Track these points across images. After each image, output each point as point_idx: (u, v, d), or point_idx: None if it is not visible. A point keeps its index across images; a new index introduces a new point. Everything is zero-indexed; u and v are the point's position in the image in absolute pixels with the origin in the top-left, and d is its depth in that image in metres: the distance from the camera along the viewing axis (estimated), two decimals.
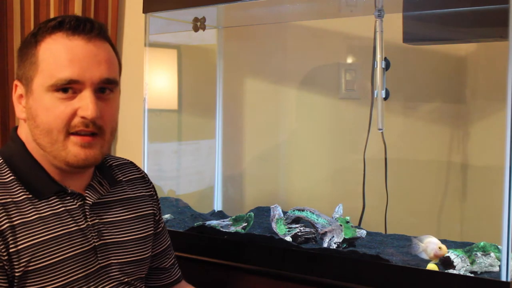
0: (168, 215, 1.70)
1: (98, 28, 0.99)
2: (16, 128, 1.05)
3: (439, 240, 1.38)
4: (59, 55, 0.95)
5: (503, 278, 1.14)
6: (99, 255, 1.03)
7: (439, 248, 1.27)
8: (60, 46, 0.96)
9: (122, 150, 2.06)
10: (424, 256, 1.29)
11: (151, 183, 1.23)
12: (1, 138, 1.94)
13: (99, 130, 0.98)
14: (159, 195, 1.25)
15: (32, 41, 0.98)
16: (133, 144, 1.96)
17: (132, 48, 1.99)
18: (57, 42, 0.96)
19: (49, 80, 0.95)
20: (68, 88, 0.95)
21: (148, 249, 1.15)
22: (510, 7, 1.14)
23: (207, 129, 1.96)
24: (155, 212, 1.20)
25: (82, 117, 0.96)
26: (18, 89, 1.01)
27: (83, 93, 0.96)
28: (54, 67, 0.95)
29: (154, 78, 1.81)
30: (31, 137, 0.99)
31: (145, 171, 1.24)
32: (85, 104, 0.95)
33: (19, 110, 1.01)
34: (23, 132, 1.02)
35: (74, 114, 0.96)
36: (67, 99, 0.96)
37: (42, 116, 0.96)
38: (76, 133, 0.97)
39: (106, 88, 1.00)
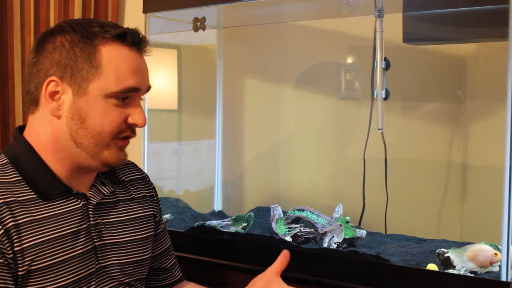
0: (168, 215, 1.70)
1: (146, 42, 1.04)
2: (20, 127, 1.04)
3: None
4: (125, 64, 0.99)
5: (503, 278, 1.14)
6: (99, 255, 1.03)
7: (495, 254, 1.20)
8: (126, 57, 1.00)
9: None
10: (472, 265, 1.22)
11: (151, 184, 1.23)
12: (1, 138, 1.94)
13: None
14: (159, 195, 1.25)
15: (88, 42, 0.98)
16: (133, 144, 1.95)
17: None
18: (122, 52, 0.99)
19: (113, 87, 0.97)
20: (126, 96, 1.00)
21: (148, 250, 1.15)
22: (510, 7, 1.14)
23: (207, 129, 1.96)
24: (156, 213, 1.20)
25: (133, 124, 1.01)
26: (53, 85, 0.97)
27: (135, 102, 1.02)
28: (121, 76, 0.98)
29: (154, 78, 1.79)
30: (66, 135, 0.98)
31: (145, 171, 1.25)
32: (138, 112, 1.02)
33: (54, 107, 0.98)
34: (34, 132, 1.01)
35: (125, 121, 1.01)
36: (121, 106, 0.99)
37: (94, 119, 0.98)
38: (120, 137, 1.02)
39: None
